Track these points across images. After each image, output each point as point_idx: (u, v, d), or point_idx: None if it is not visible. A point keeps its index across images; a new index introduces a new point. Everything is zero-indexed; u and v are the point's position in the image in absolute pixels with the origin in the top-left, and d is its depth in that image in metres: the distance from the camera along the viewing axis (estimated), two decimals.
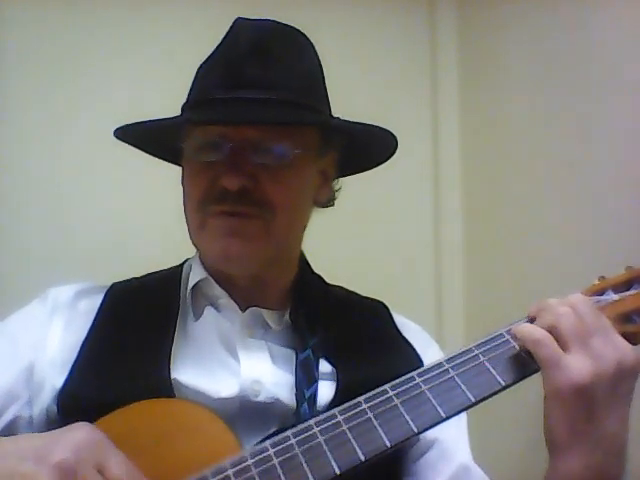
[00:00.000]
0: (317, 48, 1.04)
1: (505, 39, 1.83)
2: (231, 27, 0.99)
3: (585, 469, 0.75)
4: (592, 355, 0.74)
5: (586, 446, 0.74)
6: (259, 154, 0.92)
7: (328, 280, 1.12)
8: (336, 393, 0.93)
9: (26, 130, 1.60)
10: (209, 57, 0.99)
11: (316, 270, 1.11)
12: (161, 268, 1.10)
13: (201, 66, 1.00)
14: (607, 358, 0.74)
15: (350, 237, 1.75)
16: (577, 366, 0.73)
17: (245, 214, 0.93)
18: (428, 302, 1.89)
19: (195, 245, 1.01)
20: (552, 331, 0.76)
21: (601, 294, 0.83)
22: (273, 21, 0.99)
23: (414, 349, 1.04)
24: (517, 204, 1.73)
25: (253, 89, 0.93)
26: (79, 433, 0.71)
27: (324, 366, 0.97)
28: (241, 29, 0.98)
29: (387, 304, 1.14)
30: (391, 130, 1.02)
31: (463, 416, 1.04)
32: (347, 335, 1.02)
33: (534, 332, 0.77)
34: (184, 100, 1.01)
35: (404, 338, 1.07)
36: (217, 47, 0.99)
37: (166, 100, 0.99)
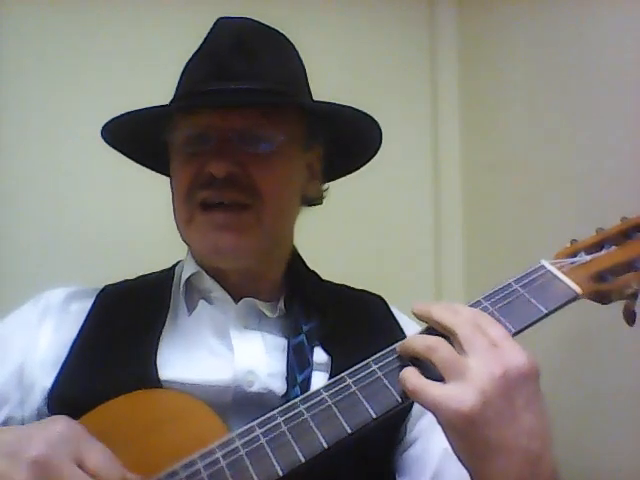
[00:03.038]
0: (316, 48, 1.07)
1: (505, 39, 1.82)
2: (214, 25, 1.02)
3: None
4: (471, 378, 0.67)
5: (495, 464, 0.68)
6: (245, 142, 0.94)
7: (327, 278, 1.13)
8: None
9: (24, 131, 1.61)
10: (194, 54, 1.02)
11: (315, 267, 1.12)
12: (157, 270, 1.11)
13: (186, 64, 1.03)
14: (488, 376, 0.67)
15: (350, 236, 1.75)
16: (458, 397, 0.67)
17: (235, 205, 0.94)
18: (428, 300, 1.87)
19: (185, 241, 1.01)
20: (429, 359, 0.72)
21: (574, 256, 0.84)
22: (253, 20, 1.02)
23: None
24: (517, 203, 1.71)
25: (236, 81, 0.95)
26: (55, 426, 0.69)
27: (320, 355, 0.98)
28: (223, 26, 1.01)
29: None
30: (391, 130, 1.04)
31: None
32: (343, 324, 1.03)
33: (411, 378, 0.71)
34: None
35: (401, 329, 1.07)
36: (201, 44, 1.02)
37: (165, 102, 1.01)
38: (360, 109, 1.00)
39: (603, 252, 0.83)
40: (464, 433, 0.67)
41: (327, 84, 1.06)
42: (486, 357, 0.69)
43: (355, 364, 0.81)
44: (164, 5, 1.72)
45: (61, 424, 0.69)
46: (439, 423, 0.70)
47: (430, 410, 0.70)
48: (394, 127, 1.03)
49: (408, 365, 0.76)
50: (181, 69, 1.04)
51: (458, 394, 0.67)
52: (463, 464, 0.71)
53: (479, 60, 1.94)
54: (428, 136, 1.94)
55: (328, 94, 1.05)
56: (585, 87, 1.51)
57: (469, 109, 1.95)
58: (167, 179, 1.06)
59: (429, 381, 0.70)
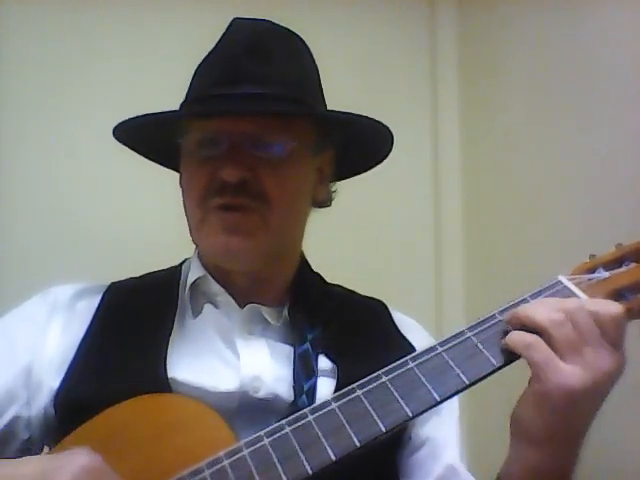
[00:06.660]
0: (317, 48, 1.05)
1: (505, 39, 1.83)
2: (228, 27, 1.01)
3: (549, 461, 0.78)
4: (585, 366, 0.74)
5: (557, 444, 0.77)
6: (257, 148, 0.94)
7: (328, 279, 1.12)
8: (336, 389, 0.91)
9: (25, 130, 1.60)
10: (207, 56, 1.01)
11: (316, 269, 1.10)
12: (161, 268, 1.09)
13: (199, 65, 1.02)
14: (599, 370, 0.74)
15: (350, 237, 1.75)
16: (570, 373, 0.73)
17: (243, 208, 0.94)
18: (428, 301, 1.87)
19: (195, 242, 1.01)
20: (545, 338, 0.75)
21: (592, 272, 0.82)
22: (269, 21, 1.01)
23: (412, 346, 1.03)
24: (518, 204, 1.72)
25: (249, 85, 0.94)
26: (79, 460, 0.69)
27: (325, 362, 0.97)
28: (238, 28, 1.00)
29: (387, 303, 1.13)
30: (391, 131, 1.02)
31: (455, 415, 1.04)
32: (347, 332, 1.02)
33: (525, 336, 0.76)
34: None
35: (402, 336, 1.07)
36: (214, 46, 1.01)
37: (167, 103, 1.00)
38: (372, 117, 0.99)
39: (622, 269, 0.82)
40: (555, 404, 0.74)
41: (326, 84, 1.05)
42: (598, 351, 0.74)
43: (360, 371, 0.80)
44: (168, 5, 1.71)
45: (84, 458, 0.69)
46: (536, 385, 0.75)
47: (536, 369, 0.75)
48: (394, 127, 1.02)
49: (419, 378, 0.76)
50: (189, 71, 1.02)
51: (569, 370, 0.73)
52: (522, 432, 0.78)
53: (479, 60, 1.95)
54: (428, 136, 1.94)
55: (328, 94, 1.05)
56: (585, 87, 1.52)
57: (469, 109, 1.95)
58: (168, 178, 1.05)
59: (556, 356, 0.74)
